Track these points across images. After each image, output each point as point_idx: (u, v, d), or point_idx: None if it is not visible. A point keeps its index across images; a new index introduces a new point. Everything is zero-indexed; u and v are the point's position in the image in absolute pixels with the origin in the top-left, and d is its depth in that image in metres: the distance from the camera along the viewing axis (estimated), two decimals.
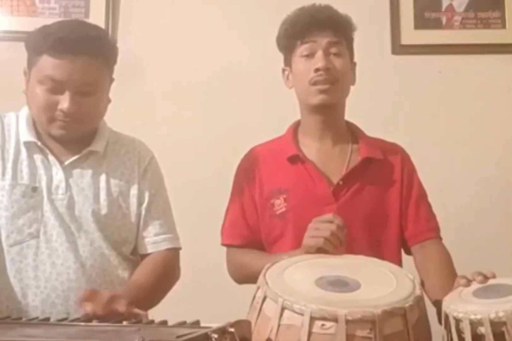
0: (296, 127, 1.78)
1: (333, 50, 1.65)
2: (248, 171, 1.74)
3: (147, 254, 1.65)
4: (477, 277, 1.28)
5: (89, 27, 1.58)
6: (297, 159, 1.68)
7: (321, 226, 1.44)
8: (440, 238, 1.68)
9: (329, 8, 1.70)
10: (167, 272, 1.62)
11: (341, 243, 1.42)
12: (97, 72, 1.55)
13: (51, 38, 1.50)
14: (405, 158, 1.74)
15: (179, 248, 1.69)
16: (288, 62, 1.73)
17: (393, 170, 1.70)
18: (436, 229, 1.68)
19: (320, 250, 1.42)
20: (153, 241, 1.64)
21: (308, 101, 1.68)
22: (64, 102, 1.51)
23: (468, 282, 1.29)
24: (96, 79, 1.55)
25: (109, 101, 1.63)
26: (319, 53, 1.64)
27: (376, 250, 1.62)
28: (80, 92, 1.52)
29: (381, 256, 1.54)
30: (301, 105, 1.74)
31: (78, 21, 1.64)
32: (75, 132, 1.58)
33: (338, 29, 1.67)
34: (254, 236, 1.69)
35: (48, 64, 1.51)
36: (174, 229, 1.69)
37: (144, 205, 1.65)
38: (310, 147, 1.71)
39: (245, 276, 1.63)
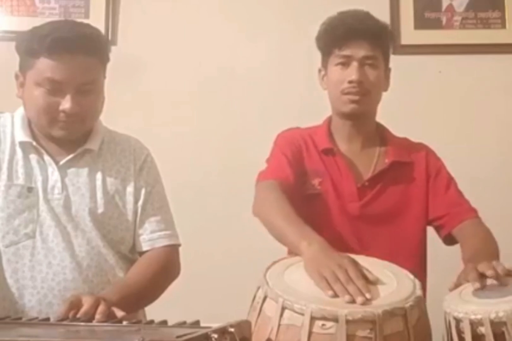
0: (329, 123, 1.79)
1: (369, 61, 1.67)
2: (291, 143, 1.73)
3: (145, 252, 1.64)
4: (488, 272, 1.25)
5: (82, 26, 1.58)
6: (330, 152, 1.71)
7: (340, 275, 1.26)
8: (478, 217, 1.67)
9: (369, 18, 1.71)
10: (163, 269, 1.60)
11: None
12: (94, 71, 1.55)
13: (48, 40, 1.48)
14: (430, 155, 1.77)
15: (178, 245, 1.67)
16: (324, 64, 1.75)
17: (418, 169, 1.72)
18: (472, 210, 1.68)
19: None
20: (148, 238, 1.63)
21: (339, 108, 1.72)
22: (66, 102, 1.50)
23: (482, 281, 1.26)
24: (95, 77, 1.55)
25: (103, 99, 1.62)
26: (354, 65, 1.66)
27: (395, 247, 1.63)
28: (80, 91, 1.52)
29: (402, 255, 1.58)
30: (332, 108, 1.77)
31: (68, 20, 1.63)
32: (76, 131, 1.58)
33: (376, 41, 1.68)
34: (295, 181, 1.66)
35: (46, 66, 1.50)
36: (172, 225, 1.68)
37: (140, 202, 1.64)
38: (343, 143, 1.74)
39: (271, 225, 1.54)
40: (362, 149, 1.74)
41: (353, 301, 1.18)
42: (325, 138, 1.73)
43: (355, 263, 1.29)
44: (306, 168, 1.70)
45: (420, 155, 1.75)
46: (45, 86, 1.51)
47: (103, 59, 1.58)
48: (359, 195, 1.67)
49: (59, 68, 1.49)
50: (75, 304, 1.32)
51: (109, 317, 1.29)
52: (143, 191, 1.65)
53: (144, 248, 1.63)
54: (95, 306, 1.32)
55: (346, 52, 1.67)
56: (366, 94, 1.67)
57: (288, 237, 1.44)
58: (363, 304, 1.17)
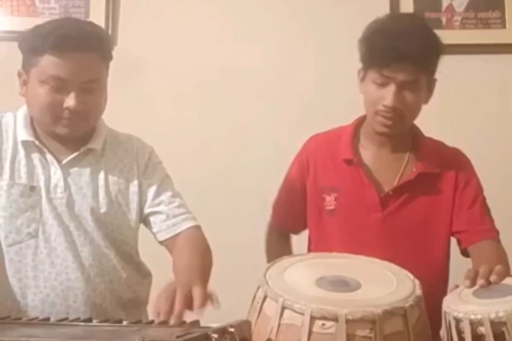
0: (360, 123, 1.73)
1: (408, 86, 1.57)
2: (305, 161, 1.74)
3: (167, 240, 1.62)
4: (479, 281, 1.25)
5: (85, 24, 1.58)
6: (351, 162, 1.66)
7: None
8: (498, 241, 1.62)
9: (419, 33, 1.58)
10: (205, 247, 1.59)
11: None
12: (98, 68, 1.55)
13: (51, 37, 1.48)
14: (462, 164, 1.70)
15: (199, 225, 1.65)
16: (364, 71, 1.64)
17: (447, 180, 1.66)
18: (492, 230, 1.63)
19: None
20: (172, 223, 1.61)
21: (371, 124, 1.64)
22: (70, 100, 1.50)
23: (475, 280, 1.26)
24: (99, 75, 1.55)
25: (106, 97, 1.62)
26: (391, 88, 1.55)
27: (420, 261, 1.57)
28: (84, 89, 1.52)
29: (424, 268, 1.51)
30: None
31: (70, 18, 1.63)
32: (80, 129, 1.58)
33: (420, 65, 1.56)
34: (290, 220, 1.77)
35: (51, 63, 1.50)
36: (188, 208, 1.67)
37: (153, 196, 1.63)
38: (368, 150, 1.68)
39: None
40: (392, 153, 1.67)
41: None
42: (347, 147, 1.67)
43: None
44: (320, 184, 1.68)
45: (452, 164, 1.68)
46: (49, 83, 1.50)
47: (106, 57, 1.59)
48: (382, 205, 1.63)
49: (63, 66, 1.49)
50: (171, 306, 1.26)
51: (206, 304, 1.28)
52: (154, 187, 1.64)
53: (171, 234, 1.61)
54: (189, 297, 1.28)
55: (386, 72, 1.55)
56: (401, 119, 1.59)
57: None
58: None
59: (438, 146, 1.73)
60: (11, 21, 2.60)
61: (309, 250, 1.75)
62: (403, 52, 1.53)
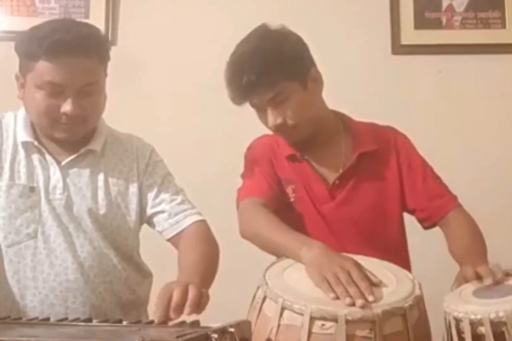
0: None
1: (278, 100, 1.59)
2: (261, 157, 1.72)
3: (174, 238, 1.61)
4: (486, 280, 1.27)
5: (81, 26, 1.55)
6: (294, 158, 1.68)
7: (341, 277, 1.25)
8: (460, 205, 1.65)
9: (261, 51, 1.60)
10: (210, 242, 1.58)
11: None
12: (95, 71, 1.53)
13: (46, 43, 1.46)
14: (400, 141, 1.71)
15: (204, 220, 1.64)
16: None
17: (388, 157, 1.68)
18: (452, 199, 1.65)
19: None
20: (175, 221, 1.61)
21: None
22: (67, 105, 1.49)
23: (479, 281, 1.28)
24: (95, 78, 1.53)
25: (105, 97, 1.61)
26: (267, 111, 1.62)
27: (379, 242, 1.62)
28: (81, 93, 1.50)
29: (384, 250, 1.56)
30: None
31: (65, 20, 1.60)
32: (79, 133, 1.57)
33: (271, 81, 1.58)
34: (274, 194, 1.64)
35: (46, 69, 1.48)
36: (191, 204, 1.66)
37: (154, 194, 1.62)
38: (306, 148, 1.69)
39: (263, 241, 1.52)
40: (326, 148, 1.68)
41: (353, 304, 1.17)
42: (286, 143, 1.69)
43: (358, 265, 1.28)
44: (279, 177, 1.67)
45: (389, 142, 1.70)
46: (45, 89, 1.49)
47: (103, 58, 1.57)
48: (331, 195, 1.64)
49: (58, 71, 1.48)
50: (168, 301, 1.25)
51: (199, 303, 1.26)
52: (155, 186, 1.64)
53: (175, 231, 1.60)
54: (185, 294, 1.26)
55: (253, 102, 1.64)
56: (295, 127, 1.60)
57: (286, 247, 1.41)
58: (363, 307, 1.16)
59: (370, 127, 1.73)
60: (11, 21, 2.61)
61: None
62: (245, 84, 1.58)
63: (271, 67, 1.56)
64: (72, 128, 1.54)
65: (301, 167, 1.67)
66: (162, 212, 1.63)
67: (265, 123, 1.64)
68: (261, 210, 1.56)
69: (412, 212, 1.69)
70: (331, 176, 1.66)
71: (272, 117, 1.61)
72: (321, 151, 1.68)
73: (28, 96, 1.53)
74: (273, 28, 1.65)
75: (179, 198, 1.64)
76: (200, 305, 1.27)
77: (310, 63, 1.66)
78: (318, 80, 1.66)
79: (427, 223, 1.67)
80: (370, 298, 1.18)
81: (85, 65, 1.50)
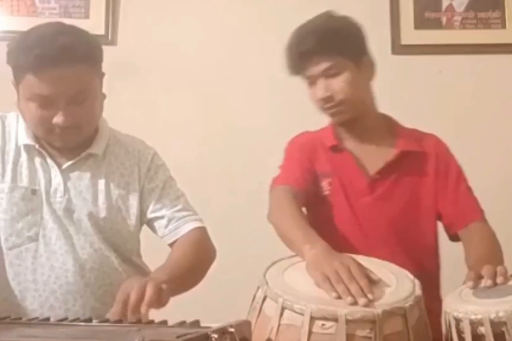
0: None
1: (330, 72, 1.65)
2: (300, 150, 1.74)
3: (173, 243, 1.62)
4: (485, 281, 1.27)
5: (67, 34, 1.48)
6: (336, 149, 1.70)
7: (341, 273, 1.26)
8: (485, 220, 1.66)
9: (317, 30, 1.65)
10: (201, 249, 1.59)
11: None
12: (85, 78, 1.49)
13: (31, 56, 1.43)
14: (441, 148, 1.75)
15: (203, 227, 1.65)
16: (303, 78, 1.73)
17: (428, 160, 1.70)
18: (478, 212, 1.67)
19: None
20: (174, 227, 1.62)
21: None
22: (58, 117, 1.47)
23: (477, 281, 1.28)
24: (86, 85, 1.50)
25: (104, 97, 1.59)
26: (317, 83, 1.66)
27: (412, 240, 1.63)
28: (73, 102, 1.48)
29: (418, 246, 1.62)
30: None
31: (53, 26, 1.51)
32: (75, 140, 1.56)
33: (327, 50, 1.64)
34: (306, 185, 1.67)
35: (33, 82, 1.45)
36: (193, 211, 1.67)
37: (154, 201, 1.62)
38: (349, 140, 1.73)
39: (280, 231, 1.54)
40: (369, 143, 1.71)
41: (355, 303, 1.18)
42: (331, 135, 1.72)
43: (358, 263, 1.29)
44: (316, 171, 1.69)
45: (430, 145, 1.73)
46: (36, 101, 1.47)
47: (94, 63, 1.53)
48: (370, 189, 1.65)
49: (46, 84, 1.45)
50: (125, 301, 1.28)
51: (158, 302, 1.27)
52: (157, 189, 1.64)
53: (174, 238, 1.61)
54: (142, 293, 1.28)
55: (309, 72, 1.66)
56: (341, 103, 1.65)
57: (292, 241, 1.44)
58: (366, 305, 1.17)
59: (414, 132, 1.78)
60: (11, 21, 2.61)
61: None
62: (306, 50, 1.64)
63: (330, 39, 1.64)
64: (67, 137, 1.53)
65: (342, 158, 1.69)
66: (161, 217, 1.63)
67: (314, 97, 1.68)
68: (288, 200, 1.59)
69: (440, 217, 1.69)
70: (371, 170, 1.68)
71: (322, 89, 1.65)
72: (363, 145, 1.71)
73: (22, 106, 1.52)
74: (338, 14, 1.73)
75: (179, 204, 1.65)
76: (160, 302, 1.28)
77: (366, 50, 1.72)
78: (371, 67, 1.73)
79: (451, 230, 1.67)
80: (370, 296, 1.19)
81: (73, 74, 1.46)
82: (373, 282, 1.25)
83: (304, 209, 1.66)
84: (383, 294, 1.22)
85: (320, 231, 1.54)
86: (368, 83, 1.73)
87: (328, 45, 1.63)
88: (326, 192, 1.67)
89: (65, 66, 1.44)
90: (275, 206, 1.62)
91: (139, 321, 1.21)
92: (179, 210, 1.63)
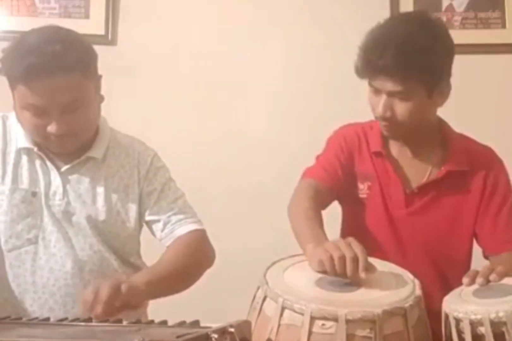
0: None
1: (398, 95, 1.51)
2: (342, 145, 1.67)
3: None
4: (478, 279, 1.27)
5: (58, 41, 1.45)
6: (380, 155, 1.64)
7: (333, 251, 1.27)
8: None
9: (400, 41, 1.48)
10: (193, 253, 1.57)
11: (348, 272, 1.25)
12: (78, 86, 1.47)
13: (22, 67, 1.41)
14: (493, 165, 1.65)
15: (203, 229, 1.64)
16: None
17: (475, 179, 1.62)
18: None
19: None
20: (170, 230, 1.61)
21: None
22: (52, 126, 1.46)
23: (473, 278, 1.28)
24: (80, 93, 1.48)
25: (102, 99, 1.57)
26: (381, 97, 1.53)
27: (440, 265, 1.59)
28: (67, 110, 1.46)
29: (449, 268, 1.57)
30: None
31: (46, 31, 1.49)
32: (72, 147, 1.55)
33: (406, 76, 1.49)
34: (335, 183, 1.62)
35: (26, 92, 1.44)
36: (191, 213, 1.65)
37: (151, 203, 1.62)
38: (396, 146, 1.66)
39: (291, 223, 1.53)
40: (417, 153, 1.64)
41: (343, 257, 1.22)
42: (377, 139, 1.64)
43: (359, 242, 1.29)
44: (355, 171, 1.64)
45: (482, 164, 1.63)
46: (29, 110, 1.46)
47: (87, 68, 1.50)
48: (407, 202, 1.60)
49: (38, 95, 1.43)
50: (89, 301, 1.28)
51: (127, 303, 1.29)
52: (155, 192, 1.63)
53: (170, 241, 1.61)
54: (112, 296, 1.28)
55: (375, 84, 1.53)
56: (396, 125, 1.55)
57: (299, 238, 1.44)
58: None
59: (469, 144, 1.68)
60: (11, 21, 2.61)
61: (343, 234, 1.66)
62: (379, 66, 1.49)
63: (412, 61, 1.47)
64: (63, 144, 1.52)
65: (384, 165, 1.63)
66: (158, 221, 1.62)
67: (374, 107, 1.57)
68: (308, 194, 1.56)
69: (475, 236, 1.64)
70: (413, 183, 1.61)
71: (384, 108, 1.53)
72: (410, 154, 1.64)
73: (18, 113, 1.51)
74: (433, 18, 1.58)
75: (176, 207, 1.63)
76: (132, 303, 1.30)
77: (446, 74, 1.57)
78: (444, 94, 1.59)
79: (483, 252, 1.63)
80: (362, 275, 1.21)
81: (65, 84, 1.44)
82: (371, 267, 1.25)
83: (337, 204, 1.64)
84: (383, 294, 1.22)
85: (353, 230, 1.53)
86: (436, 108, 1.63)
87: (406, 67, 1.48)
88: (363, 195, 1.63)
89: (56, 76, 1.43)
90: (295, 199, 1.59)
91: (138, 321, 1.21)
92: (175, 213, 1.62)
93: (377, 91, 1.54)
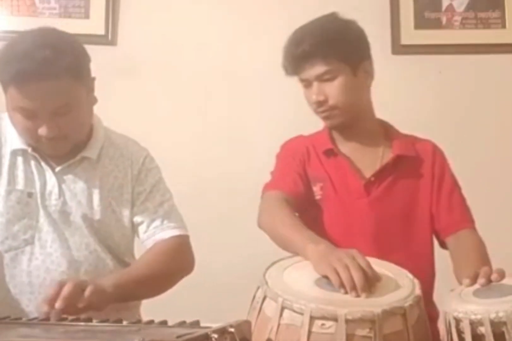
0: None
1: (326, 77, 1.63)
2: (292, 155, 1.73)
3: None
4: (480, 280, 1.27)
5: (50, 46, 1.44)
6: (331, 153, 1.70)
7: (345, 260, 1.29)
8: (475, 229, 1.66)
9: (315, 33, 1.64)
10: (169, 259, 1.56)
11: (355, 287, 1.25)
12: (69, 90, 1.46)
13: (13, 71, 1.41)
14: (437, 153, 1.75)
15: (185, 235, 1.64)
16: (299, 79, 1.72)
17: (424, 165, 1.70)
18: (470, 220, 1.68)
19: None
20: (152, 233, 1.60)
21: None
22: (42, 130, 1.46)
23: (474, 280, 1.29)
24: (70, 97, 1.47)
25: (95, 101, 1.57)
26: (312, 85, 1.65)
27: (407, 244, 1.64)
28: (57, 114, 1.46)
29: (413, 250, 1.62)
30: None
31: (38, 34, 1.48)
32: (64, 149, 1.55)
33: (327, 55, 1.62)
34: (297, 190, 1.66)
35: (16, 96, 1.44)
36: (175, 218, 1.64)
37: (141, 202, 1.62)
38: (343, 144, 1.73)
39: (275, 234, 1.55)
40: (364, 147, 1.72)
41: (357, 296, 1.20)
42: (326, 139, 1.72)
43: (362, 254, 1.30)
44: (308, 176, 1.69)
45: (427, 151, 1.73)
46: (20, 112, 1.46)
47: (79, 72, 1.49)
48: (366, 191, 1.65)
49: (29, 99, 1.43)
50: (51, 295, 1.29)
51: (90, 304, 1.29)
52: (144, 193, 1.63)
53: (149, 245, 1.60)
54: (74, 294, 1.29)
55: (303, 75, 1.66)
56: (334, 108, 1.65)
57: (294, 243, 1.44)
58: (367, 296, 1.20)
59: (411, 137, 1.78)
60: (11, 21, 2.60)
61: None
62: (299, 52, 1.63)
63: (328, 43, 1.63)
64: (55, 147, 1.53)
65: (337, 162, 1.69)
66: (141, 223, 1.62)
67: (309, 99, 1.68)
68: (279, 204, 1.59)
69: (432, 222, 1.69)
70: (367, 173, 1.68)
71: (316, 93, 1.64)
72: (359, 148, 1.71)
73: (10, 114, 1.51)
74: (342, 17, 1.72)
75: (162, 210, 1.63)
76: (95, 304, 1.30)
77: (366, 56, 1.71)
78: (369, 73, 1.71)
79: (441, 235, 1.67)
80: (362, 295, 1.21)
81: (56, 88, 1.44)
82: (376, 275, 1.26)
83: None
84: (383, 294, 1.23)
85: (317, 234, 1.54)
86: (365, 88, 1.72)
87: (324, 49, 1.62)
88: (318, 197, 1.67)
89: (47, 81, 1.42)
90: (266, 211, 1.61)
91: (138, 321, 1.21)
92: (159, 216, 1.62)
93: (307, 84, 1.66)
